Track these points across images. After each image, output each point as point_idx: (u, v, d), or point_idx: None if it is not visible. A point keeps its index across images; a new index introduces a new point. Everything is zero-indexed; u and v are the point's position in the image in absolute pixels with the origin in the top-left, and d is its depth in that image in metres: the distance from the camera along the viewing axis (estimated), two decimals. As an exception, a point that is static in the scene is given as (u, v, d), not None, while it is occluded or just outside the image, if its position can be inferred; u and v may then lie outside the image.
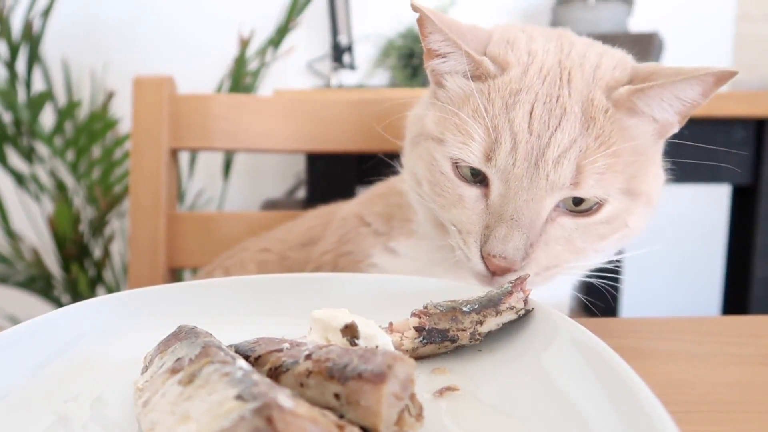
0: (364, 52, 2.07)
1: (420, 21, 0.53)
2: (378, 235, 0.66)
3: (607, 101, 0.50)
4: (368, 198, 0.73)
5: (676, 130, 0.53)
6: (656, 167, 0.54)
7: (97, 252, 1.75)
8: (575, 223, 0.50)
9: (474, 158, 0.50)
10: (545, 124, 0.49)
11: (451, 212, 0.52)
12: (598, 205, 0.50)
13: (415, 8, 0.52)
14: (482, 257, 0.49)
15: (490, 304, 0.38)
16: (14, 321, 1.80)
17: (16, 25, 1.57)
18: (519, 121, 0.49)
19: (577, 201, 0.50)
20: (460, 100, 0.53)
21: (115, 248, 1.83)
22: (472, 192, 0.51)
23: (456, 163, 0.52)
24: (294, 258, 0.74)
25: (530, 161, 0.48)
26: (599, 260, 0.55)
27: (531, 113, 0.49)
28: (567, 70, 0.52)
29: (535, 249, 0.48)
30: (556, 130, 0.48)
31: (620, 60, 0.55)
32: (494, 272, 0.49)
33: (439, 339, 0.37)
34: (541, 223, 0.49)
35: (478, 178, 0.51)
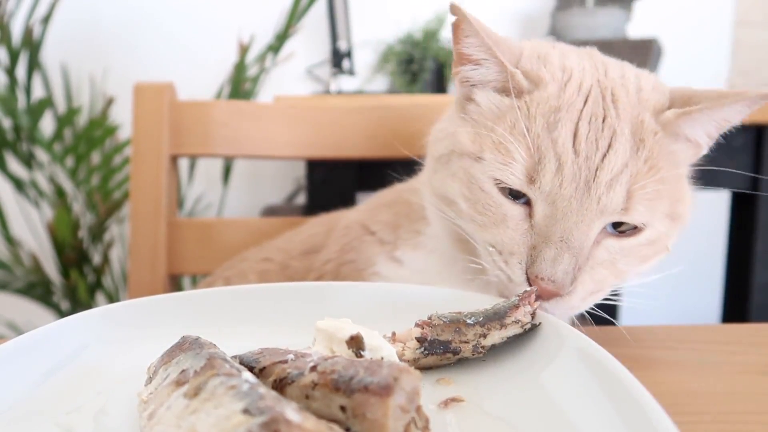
0: (364, 58, 2.07)
1: (457, 23, 0.51)
2: (383, 243, 0.65)
3: (656, 124, 0.49)
4: (373, 206, 0.72)
5: (704, 152, 0.53)
6: (688, 190, 0.53)
7: (96, 258, 1.75)
8: (620, 245, 0.48)
9: (516, 180, 0.48)
10: (593, 144, 0.47)
11: (492, 232, 0.50)
12: (640, 227, 0.48)
13: (455, 10, 0.51)
14: (527, 278, 0.47)
15: (496, 317, 0.37)
16: (13, 327, 1.79)
17: (16, 32, 1.57)
18: (563, 141, 0.47)
19: (618, 224, 0.48)
20: (495, 116, 0.51)
21: (115, 254, 1.83)
22: (517, 211, 0.49)
23: (498, 185, 0.50)
24: (295, 267, 0.74)
25: (578, 183, 0.46)
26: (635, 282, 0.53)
27: (575, 133, 0.48)
28: (609, 89, 0.51)
29: (582, 273, 0.47)
30: (607, 151, 0.47)
31: (656, 82, 0.54)
32: (539, 296, 0.46)
33: (441, 350, 0.37)
34: (589, 246, 0.47)
35: (519, 197, 0.49)
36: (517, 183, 0.48)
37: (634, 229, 0.48)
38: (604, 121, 0.48)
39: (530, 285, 0.47)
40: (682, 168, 0.52)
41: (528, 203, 0.49)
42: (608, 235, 0.48)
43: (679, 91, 0.52)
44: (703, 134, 0.51)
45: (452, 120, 0.57)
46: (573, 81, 0.51)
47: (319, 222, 0.81)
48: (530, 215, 0.48)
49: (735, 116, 0.50)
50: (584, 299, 0.48)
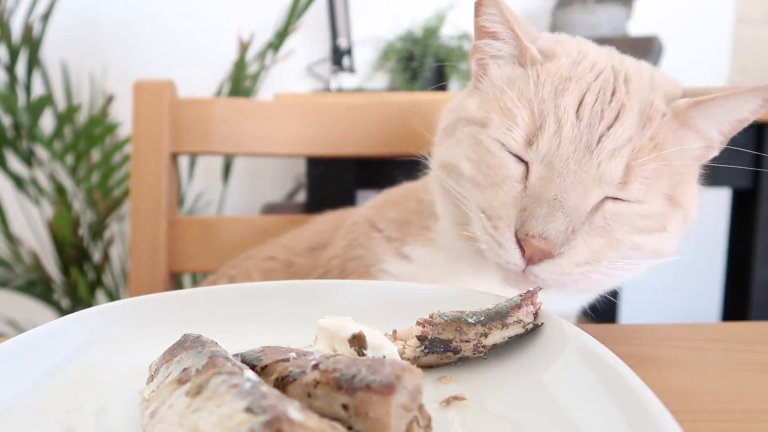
0: (364, 55, 2.07)
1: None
2: (390, 240, 0.65)
3: (666, 107, 0.50)
4: (380, 204, 0.72)
5: (715, 153, 0.54)
6: (695, 187, 0.54)
7: (96, 256, 1.75)
8: (616, 208, 0.48)
9: (515, 144, 0.49)
10: (598, 114, 0.48)
11: (486, 193, 0.50)
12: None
13: None
14: (517, 241, 0.47)
15: (497, 317, 0.37)
16: (14, 325, 1.79)
17: (16, 29, 1.56)
18: (566, 106, 0.48)
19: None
20: (504, 84, 0.53)
21: (115, 252, 1.83)
22: (517, 170, 0.49)
23: (501, 146, 0.51)
24: (300, 264, 0.73)
25: (577, 145, 0.47)
26: (631, 273, 0.53)
27: (581, 101, 0.49)
28: (622, 73, 0.52)
29: (577, 237, 0.47)
30: (614, 121, 0.48)
31: (671, 78, 0.55)
32: (530, 258, 0.47)
33: (442, 349, 0.37)
34: (586, 211, 0.47)
35: (520, 162, 0.50)
36: (516, 147, 0.49)
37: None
38: (613, 95, 0.50)
39: (521, 249, 0.47)
40: (689, 157, 0.52)
41: (525, 168, 0.50)
42: (606, 200, 0.48)
43: (693, 88, 0.53)
44: (715, 130, 0.52)
45: (463, 96, 0.59)
46: (587, 59, 0.53)
47: (325, 219, 0.80)
48: (525, 179, 0.49)
49: (746, 109, 0.50)
50: (578, 266, 0.47)
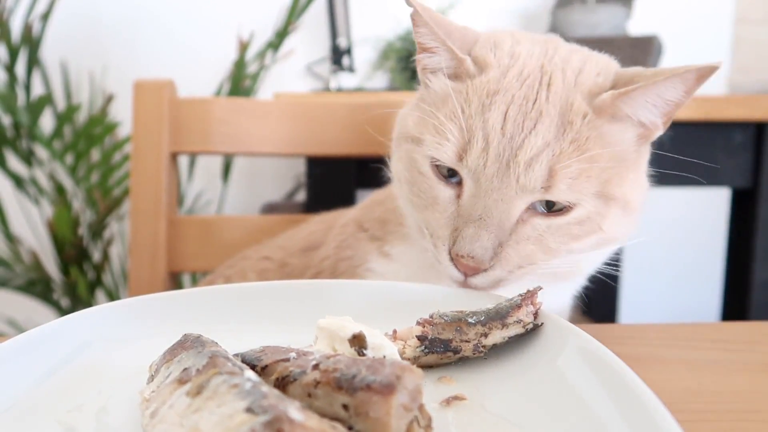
0: (363, 55, 2.07)
1: (412, 15, 0.54)
2: (374, 240, 0.67)
3: (587, 106, 0.50)
4: (367, 204, 0.74)
5: (661, 132, 0.53)
6: (636, 173, 0.54)
7: (96, 255, 1.75)
8: (547, 223, 0.49)
9: (447, 158, 0.50)
10: (519, 126, 0.49)
11: (425, 213, 0.53)
12: (569, 206, 0.50)
13: (408, 1, 0.53)
14: (452, 259, 0.49)
15: (497, 317, 0.37)
16: (13, 324, 1.79)
17: (16, 28, 1.56)
18: (493, 122, 0.49)
19: (551, 204, 0.49)
20: (440, 100, 0.53)
21: (114, 251, 1.83)
22: (447, 192, 0.51)
23: (434, 163, 0.52)
24: (294, 264, 0.74)
25: (501, 162, 0.48)
26: (588, 267, 0.55)
27: (506, 114, 0.49)
28: (548, 74, 0.52)
29: (505, 248, 0.48)
30: (530, 132, 0.48)
31: (605, 66, 0.55)
32: (465, 273, 0.49)
33: (442, 349, 0.37)
34: (512, 224, 0.49)
35: (455, 178, 0.51)
36: (448, 160, 0.50)
37: (564, 209, 0.49)
38: (534, 103, 0.50)
39: (455, 265, 0.49)
40: (623, 150, 0.51)
41: (459, 186, 0.51)
42: (536, 213, 0.50)
43: (627, 73, 0.53)
44: (649, 115, 0.51)
45: (411, 106, 0.59)
46: (516, 66, 0.53)
47: (319, 220, 0.81)
48: (458, 197, 0.51)
49: (675, 93, 0.49)
50: (511, 272, 0.49)
